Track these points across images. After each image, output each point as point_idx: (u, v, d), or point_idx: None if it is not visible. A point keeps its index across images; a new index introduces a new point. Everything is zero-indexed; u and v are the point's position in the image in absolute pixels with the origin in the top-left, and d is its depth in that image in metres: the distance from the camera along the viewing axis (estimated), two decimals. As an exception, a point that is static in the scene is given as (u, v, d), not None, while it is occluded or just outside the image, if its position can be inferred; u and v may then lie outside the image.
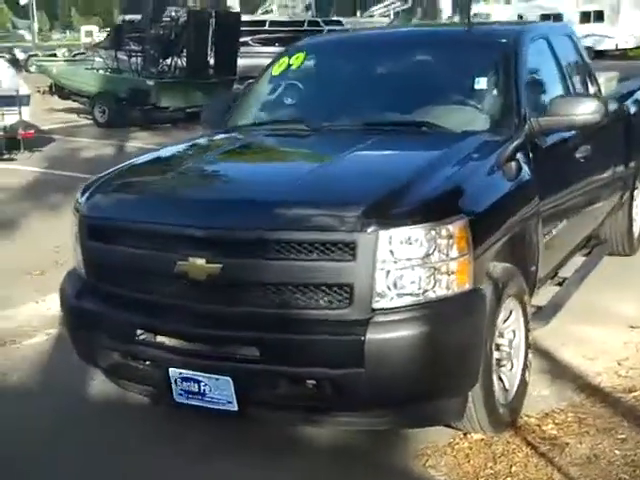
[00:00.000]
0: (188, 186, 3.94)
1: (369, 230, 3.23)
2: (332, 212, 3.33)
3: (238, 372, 3.39)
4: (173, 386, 3.53)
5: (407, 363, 3.27)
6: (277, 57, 5.30)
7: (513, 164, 4.05)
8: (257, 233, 3.36)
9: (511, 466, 3.57)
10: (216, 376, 3.42)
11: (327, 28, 19.69)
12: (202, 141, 4.74)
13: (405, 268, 3.27)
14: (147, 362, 3.67)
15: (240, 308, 3.41)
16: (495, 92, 4.51)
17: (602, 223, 5.88)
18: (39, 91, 17.86)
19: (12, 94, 12.08)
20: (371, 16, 29.59)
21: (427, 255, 3.28)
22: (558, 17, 38.27)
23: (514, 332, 4.01)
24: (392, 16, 29.37)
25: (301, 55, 5.16)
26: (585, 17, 37.46)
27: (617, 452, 3.63)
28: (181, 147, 4.69)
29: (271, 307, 3.36)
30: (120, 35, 16.71)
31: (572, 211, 4.88)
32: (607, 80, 6.21)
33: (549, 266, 4.65)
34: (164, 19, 16.23)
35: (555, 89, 5.00)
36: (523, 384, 4.04)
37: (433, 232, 3.29)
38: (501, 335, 3.88)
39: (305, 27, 20.27)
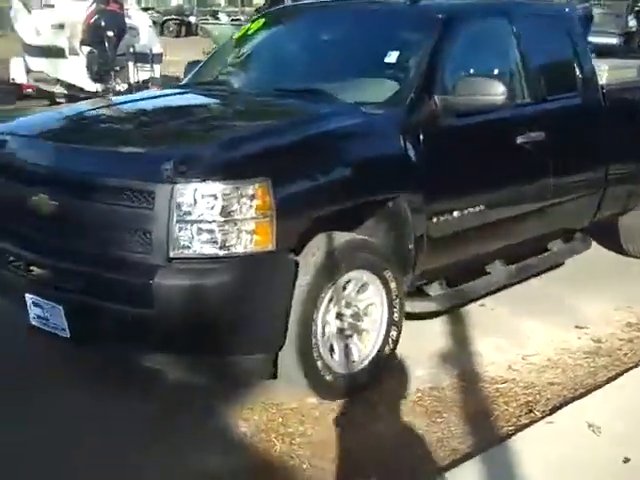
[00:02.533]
0: (58, 131, 4.26)
1: (167, 182, 3.39)
2: (143, 164, 3.59)
3: (66, 302, 3.68)
4: (29, 310, 3.89)
5: (195, 311, 3.43)
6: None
7: (380, 137, 4.06)
8: (81, 176, 3.66)
9: (308, 429, 3.64)
10: (52, 303, 3.73)
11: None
12: (136, 95, 5.06)
13: (202, 222, 3.39)
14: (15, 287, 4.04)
15: (71, 243, 3.71)
16: (402, 66, 4.46)
17: (582, 220, 5.58)
18: (204, 52, 18.87)
19: (146, 52, 12.95)
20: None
21: (225, 212, 3.39)
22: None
23: (374, 305, 4.04)
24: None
25: (260, 21, 5.34)
26: None
27: (418, 433, 3.61)
28: (112, 99, 5.05)
29: (93, 245, 3.63)
30: (277, 4, 17.21)
31: (503, 200, 4.70)
32: (615, 68, 5.81)
33: (456, 253, 4.54)
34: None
35: (495, 69, 4.80)
36: (380, 358, 4.05)
37: (233, 190, 3.39)
38: (348, 305, 3.92)
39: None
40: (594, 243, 6.35)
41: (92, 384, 4.02)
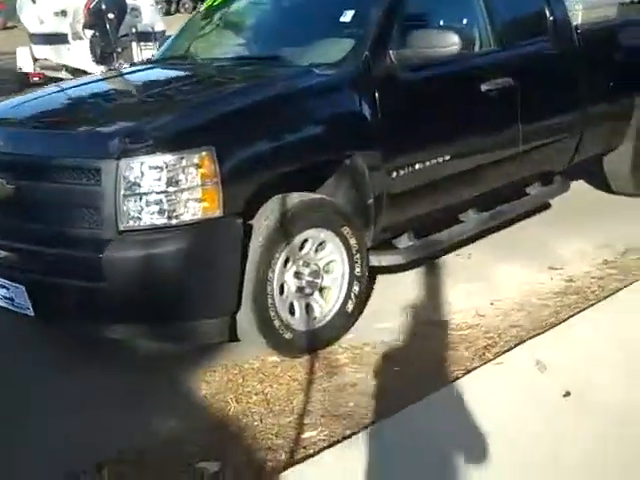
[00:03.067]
0: (17, 115, 4.36)
1: (112, 157, 3.50)
2: (90, 142, 3.72)
3: (28, 281, 3.81)
4: (-4, 291, 4.03)
5: (147, 281, 3.55)
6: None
7: (332, 97, 4.11)
8: (33, 159, 3.78)
9: (266, 387, 3.73)
10: (15, 284, 3.86)
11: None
12: (96, 75, 5.16)
13: (150, 194, 3.49)
14: None
15: (28, 225, 3.83)
16: (357, 25, 4.47)
17: (559, 163, 5.56)
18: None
19: (149, 30, 13.02)
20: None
21: (171, 183, 3.48)
22: None
23: (335, 262, 4.11)
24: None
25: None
26: None
27: (373, 382, 3.69)
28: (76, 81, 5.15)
29: (49, 225, 3.75)
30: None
31: (468, 150, 4.71)
32: (591, 7, 5.73)
33: (422, 205, 4.57)
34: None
35: (455, 18, 4.81)
36: (343, 314, 4.13)
37: (177, 161, 3.48)
38: (306, 264, 4.00)
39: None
40: (582, 182, 6.41)
41: (61, 359, 4.16)
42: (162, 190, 3.49)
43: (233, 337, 3.87)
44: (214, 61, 4.83)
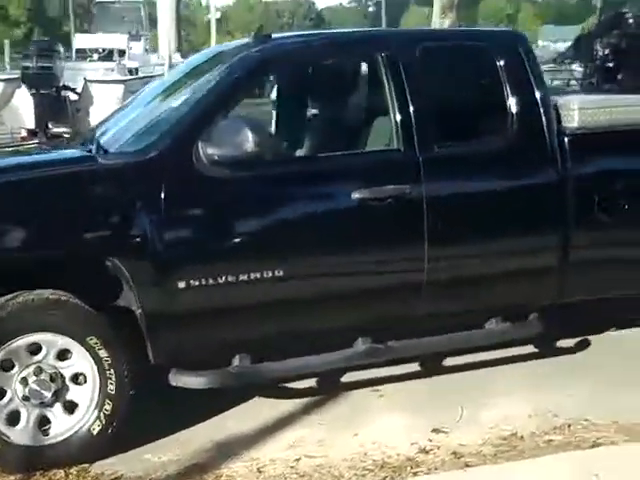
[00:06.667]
0: None
1: None
2: None
3: None
4: None
5: None
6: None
7: (94, 186, 3.73)
8: None
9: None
10: None
11: None
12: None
13: None
14: None
15: None
16: (178, 112, 3.99)
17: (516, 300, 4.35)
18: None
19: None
20: None
21: None
22: None
23: (84, 376, 3.66)
24: None
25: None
26: None
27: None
28: None
29: None
30: (581, 45, 15.73)
31: (313, 267, 3.96)
32: (596, 107, 4.39)
33: (243, 326, 3.87)
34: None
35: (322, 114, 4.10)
36: (85, 436, 3.65)
37: None
38: (39, 371, 3.60)
39: None
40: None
41: None
42: None
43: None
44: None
